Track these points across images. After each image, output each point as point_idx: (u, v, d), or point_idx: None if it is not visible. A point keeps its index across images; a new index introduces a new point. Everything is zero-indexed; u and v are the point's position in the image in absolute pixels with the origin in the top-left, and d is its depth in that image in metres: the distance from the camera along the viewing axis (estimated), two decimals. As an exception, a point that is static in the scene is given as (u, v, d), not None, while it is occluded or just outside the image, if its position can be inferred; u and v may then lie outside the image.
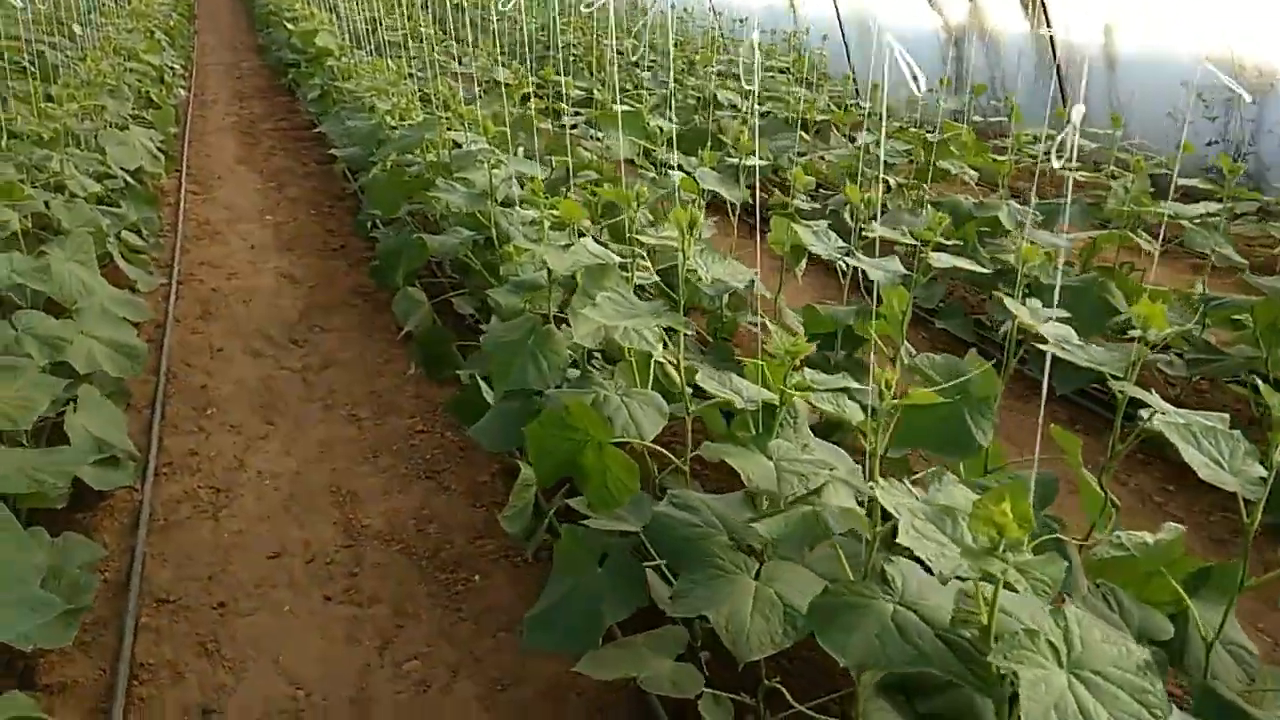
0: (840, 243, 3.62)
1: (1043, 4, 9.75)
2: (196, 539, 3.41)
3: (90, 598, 2.58)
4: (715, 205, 5.17)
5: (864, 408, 1.96)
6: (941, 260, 3.29)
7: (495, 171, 4.24)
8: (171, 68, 10.99)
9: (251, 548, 3.37)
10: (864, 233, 3.50)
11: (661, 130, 4.85)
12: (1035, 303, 2.58)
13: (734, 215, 4.32)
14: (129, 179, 5.89)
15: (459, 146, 5.19)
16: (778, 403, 2.28)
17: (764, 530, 2.00)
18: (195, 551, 3.33)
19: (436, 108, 5.43)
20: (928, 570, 1.75)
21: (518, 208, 4.11)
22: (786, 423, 2.31)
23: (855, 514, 1.91)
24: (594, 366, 3.44)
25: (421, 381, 4.59)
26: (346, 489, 3.74)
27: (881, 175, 6.38)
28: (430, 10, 14.23)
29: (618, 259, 3.06)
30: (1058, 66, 9.99)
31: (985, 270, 3.55)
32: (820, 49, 12.27)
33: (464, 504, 3.65)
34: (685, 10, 14.90)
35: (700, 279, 2.75)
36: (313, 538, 3.44)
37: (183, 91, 11.40)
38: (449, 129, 5.39)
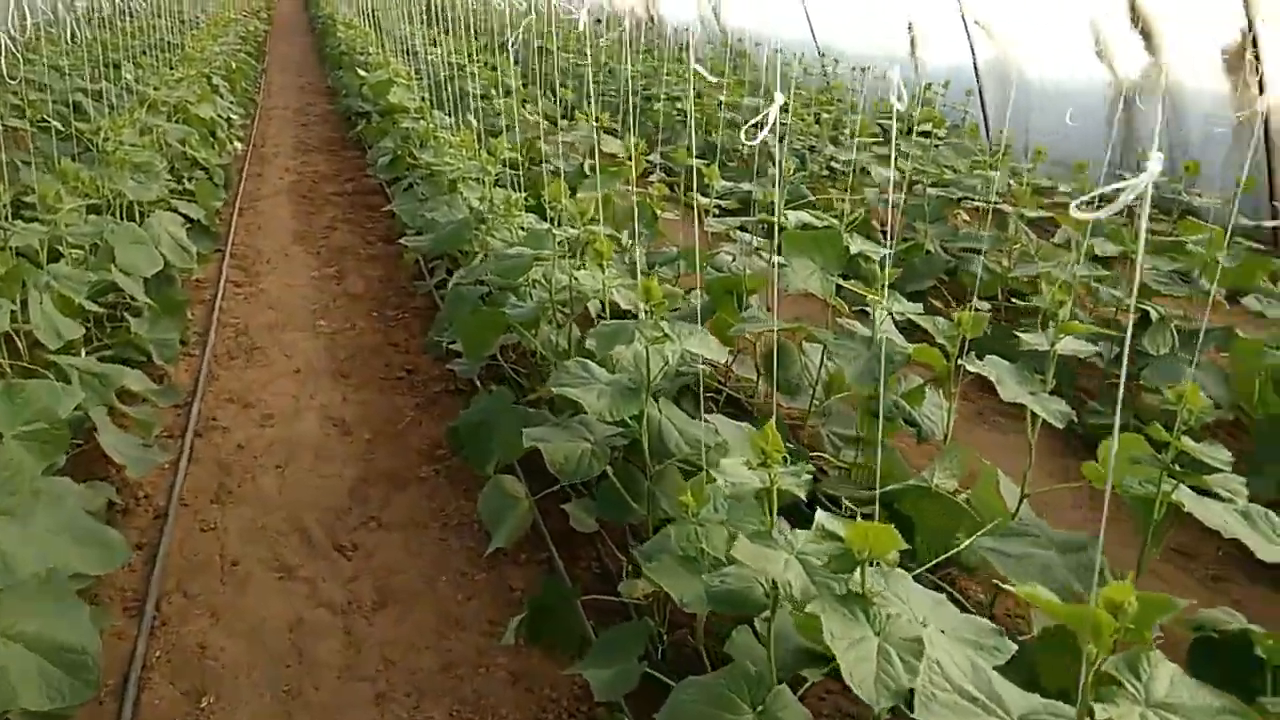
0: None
1: (1257, 58, 8.01)
2: None
3: None
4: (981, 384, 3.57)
5: None
6: None
7: (656, 346, 2.70)
8: (228, 119, 9.76)
9: None
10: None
11: (881, 268, 3.26)
12: None
13: (1033, 430, 2.68)
14: (140, 293, 4.51)
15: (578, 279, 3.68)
16: None
17: None
18: None
19: (553, 220, 3.93)
20: None
21: (698, 453, 2.55)
22: None
23: None
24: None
25: (522, 652, 3.05)
26: None
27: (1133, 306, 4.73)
28: (514, 55, 12.94)
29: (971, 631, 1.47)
30: (1267, 135, 8.23)
31: None
32: (964, 106, 10.64)
33: None
34: (794, 55, 13.38)
35: None
36: None
37: (239, 145, 10.17)
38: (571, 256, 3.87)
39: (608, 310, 3.33)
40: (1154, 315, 4.60)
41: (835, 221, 4.08)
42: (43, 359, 3.54)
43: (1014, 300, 5.87)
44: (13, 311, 3.19)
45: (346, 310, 6.08)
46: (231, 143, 9.52)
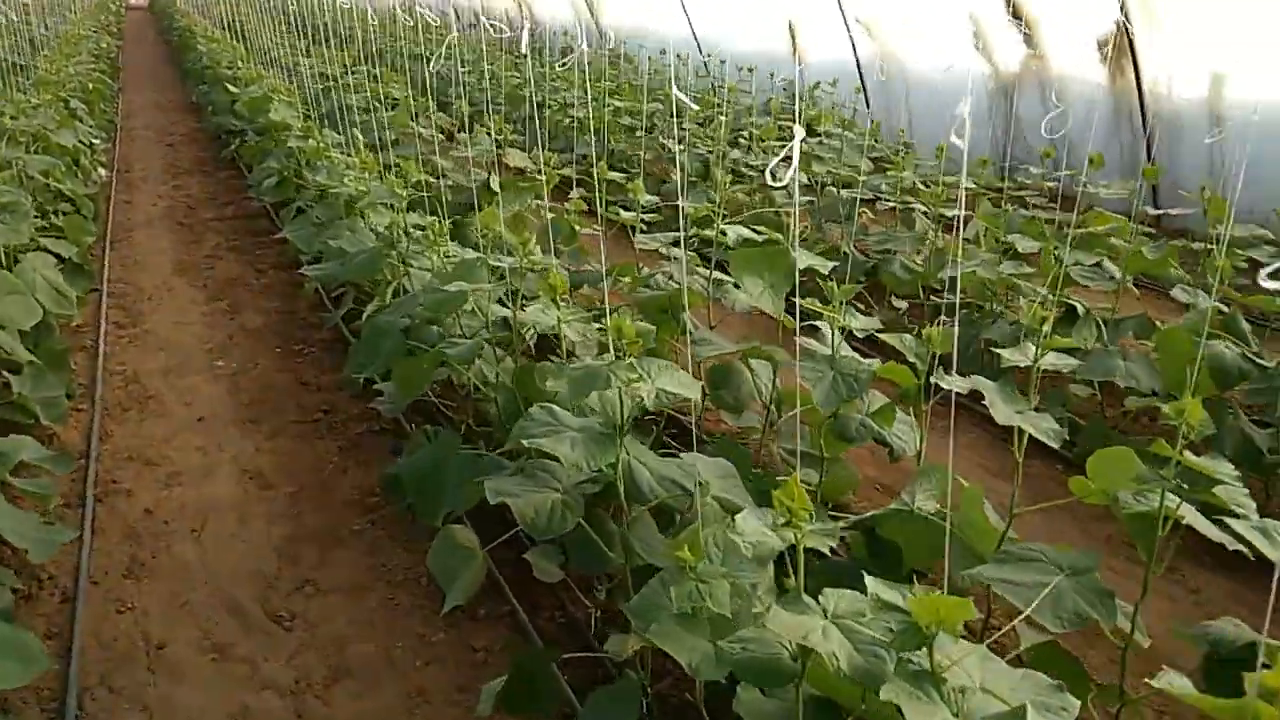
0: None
1: (1132, 48, 8.33)
2: None
3: None
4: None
5: None
6: None
7: (632, 386, 2.52)
8: (90, 144, 9.08)
9: None
10: None
11: (836, 286, 3.17)
12: None
13: (1020, 446, 2.61)
14: (20, 349, 4.07)
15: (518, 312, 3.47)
16: None
17: None
18: None
19: (484, 246, 3.70)
20: None
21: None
22: None
23: None
24: None
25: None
26: None
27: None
28: (388, 62, 12.49)
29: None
30: (1145, 122, 8.58)
31: None
32: (851, 104, 10.76)
33: None
34: (677, 56, 13.33)
35: None
36: None
37: (104, 171, 9.49)
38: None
39: (563, 347, 3.13)
40: (1079, 309, 4.66)
41: (778, 235, 3.98)
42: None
43: (933, 298, 5.91)
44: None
45: (246, 348, 5.68)
46: (96, 170, 8.86)
